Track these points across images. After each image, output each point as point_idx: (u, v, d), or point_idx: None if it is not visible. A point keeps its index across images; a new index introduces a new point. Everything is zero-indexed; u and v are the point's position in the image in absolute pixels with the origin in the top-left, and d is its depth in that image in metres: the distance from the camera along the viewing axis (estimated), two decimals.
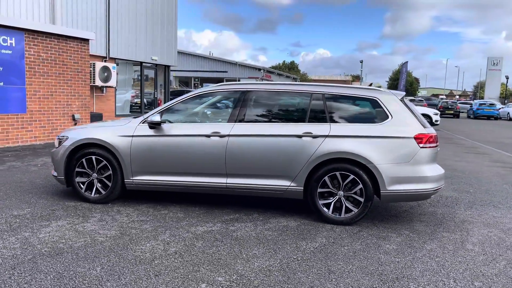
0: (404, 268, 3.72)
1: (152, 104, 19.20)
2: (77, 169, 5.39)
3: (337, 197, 4.84)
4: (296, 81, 71.21)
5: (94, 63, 15.12)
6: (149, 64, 18.48)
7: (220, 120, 5.36)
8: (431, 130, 4.93)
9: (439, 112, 23.19)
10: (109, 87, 15.74)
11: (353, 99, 5.09)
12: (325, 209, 4.87)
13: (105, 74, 15.23)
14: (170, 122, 5.30)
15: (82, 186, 5.40)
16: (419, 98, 42.25)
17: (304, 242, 4.25)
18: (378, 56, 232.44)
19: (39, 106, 10.84)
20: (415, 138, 4.75)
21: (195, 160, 5.10)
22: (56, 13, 13.51)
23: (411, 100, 34.91)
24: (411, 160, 4.74)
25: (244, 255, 3.84)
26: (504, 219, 5.35)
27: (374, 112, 4.98)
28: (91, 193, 5.38)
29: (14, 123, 10.32)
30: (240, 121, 5.11)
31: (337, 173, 4.81)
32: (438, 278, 3.54)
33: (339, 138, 4.84)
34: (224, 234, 4.39)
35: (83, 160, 5.35)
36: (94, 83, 14.88)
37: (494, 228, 5.01)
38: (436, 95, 76.79)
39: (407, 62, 36.18)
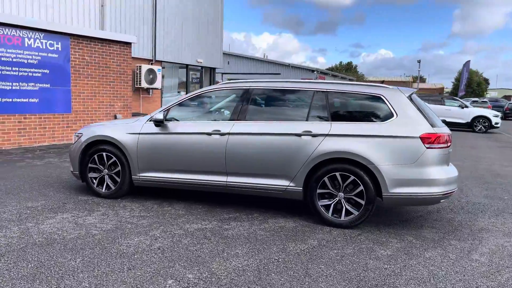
0: (389, 275, 3.49)
1: None
2: (90, 165, 5.63)
3: (337, 198, 4.66)
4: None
5: (140, 66, 15.75)
6: (195, 67, 18.93)
7: (222, 118, 5.36)
8: (441, 130, 4.60)
9: (500, 114, 21.58)
10: (155, 88, 16.31)
11: (357, 97, 4.87)
12: (324, 210, 4.70)
13: (151, 76, 15.81)
14: (176, 120, 5.39)
15: (94, 181, 5.63)
16: (484, 100, 39.69)
17: (293, 244, 4.13)
18: (445, 55, 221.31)
19: (83, 106, 11.47)
20: (421, 138, 4.45)
21: (196, 158, 5.14)
22: (105, 19, 14.26)
23: (473, 102, 32.94)
24: (416, 161, 4.45)
25: (225, 254, 3.80)
26: None
27: (378, 110, 4.73)
28: (102, 188, 5.59)
29: (60, 122, 10.99)
30: (241, 119, 5.07)
31: (337, 174, 4.62)
32: None
33: (339, 137, 4.65)
34: (215, 232, 4.38)
35: (95, 156, 5.58)
36: (140, 85, 15.52)
37: None
38: (509, 97, 71.64)
39: (469, 61, 34.26)
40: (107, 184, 5.56)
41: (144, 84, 15.55)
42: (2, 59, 9.67)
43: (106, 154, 5.53)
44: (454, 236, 4.55)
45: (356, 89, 4.86)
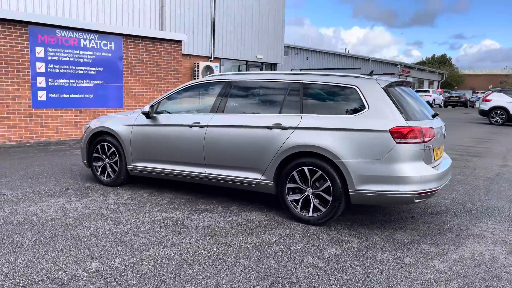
0: (317, 274, 3.30)
1: None
2: (94, 154, 6.06)
3: (306, 194, 4.49)
4: (443, 77, 65.03)
5: (198, 63, 16.37)
6: (255, 63, 19.14)
7: (204, 111, 5.42)
8: (418, 124, 4.20)
9: None
10: None
11: (332, 88, 4.62)
12: (294, 206, 4.56)
13: (208, 73, 16.35)
14: (167, 112, 5.57)
15: (98, 169, 6.05)
16: None
17: (244, 237, 4.08)
18: None
19: (134, 102, 12.25)
20: (391, 131, 4.11)
21: (179, 149, 5.28)
22: (165, 20, 15.04)
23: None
24: (384, 156, 4.12)
25: (168, 243, 3.88)
26: None
27: (351, 102, 4.45)
28: (104, 176, 5.99)
29: None
30: (220, 111, 5.10)
31: (305, 168, 4.45)
32: None
33: (308, 130, 4.47)
34: (178, 222, 4.48)
35: (98, 146, 5.99)
36: None
37: (503, 246, 4.03)
38: None
39: None
40: (107, 172, 5.95)
41: None
42: (61, 58, 10.71)
43: (107, 145, 5.91)
44: (429, 240, 4.14)
45: (330, 80, 4.62)
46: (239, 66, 18.76)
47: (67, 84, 10.91)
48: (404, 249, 3.90)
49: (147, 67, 12.42)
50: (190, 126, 5.18)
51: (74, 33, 10.86)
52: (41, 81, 10.47)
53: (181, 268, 3.36)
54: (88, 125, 6.25)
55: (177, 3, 15.70)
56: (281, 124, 4.61)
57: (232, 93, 5.14)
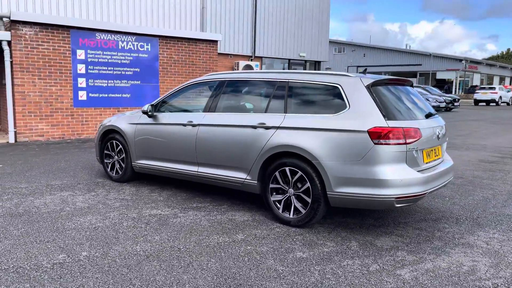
0: (263, 277, 3.24)
1: None
2: (105, 151, 6.36)
3: (288, 195, 4.41)
4: None
5: (238, 62, 16.55)
6: (297, 61, 18.98)
7: (199, 110, 5.48)
8: (401, 124, 3.97)
9: None
10: None
11: (316, 87, 4.49)
12: (276, 206, 4.50)
13: None
14: (169, 111, 5.71)
15: (108, 165, 6.34)
16: None
17: (217, 237, 4.09)
18: None
19: None
20: (369, 132, 3.93)
21: (174, 147, 5.39)
22: (205, 20, 15.37)
23: None
24: (362, 158, 3.95)
25: (141, 239, 3.99)
26: None
27: (333, 101, 4.30)
28: (113, 173, 6.27)
29: None
30: (211, 110, 5.15)
31: (287, 169, 4.38)
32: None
33: (289, 130, 4.39)
34: (162, 219, 4.59)
35: (108, 144, 6.28)
36: None
37: (491, 258, 3.71)
38: None
39: None
40: (116, 169, 6.22)
41: None
42: (100, 60, 11.32)
43: (115, 142, 6.17)
44: (411, 248, 3.91)
45: (315, 78, 4.50)
46: (287, 64, 18.69)
47: (106, 84, 11.50)
48: (377, 255, 3.71)
49: (182, 67, 12.76)
50: (184, 125, 5.28)
51: (113, 35, 11.42)
52: (81, 82, 11.13)
53: (138, 264, 3.45)
54: (101, 123, 6.57)
55: (218, 4, 15.95)
56: (265, 124, 4.57)
57: (224, 92, 5.17)
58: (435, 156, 4.45)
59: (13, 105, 10.34)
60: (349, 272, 3.37)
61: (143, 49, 12.00)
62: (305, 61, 19.33)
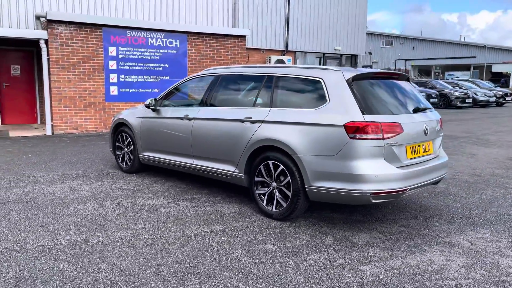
0: (223, 266, 3.32)
1: None
2: (117, 144, 6.67)
3: (271, 188, 4.46)
4: None
5: (270, 57, 16.59)
6: (332, 55, 18.71)
7: (197, 104, 5.61)
8: (380, 118, 3.89)
9: None
10: None
11: (300, 81, 4.48)
12: (261, 199, 4.56)
13: None
14: (172, 105, 5.90)
15: (119, 157, 6.65)
16: None
17: (196, 227, 4.22)
18: None
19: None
20: (345, 126, 3.89)
21: (173, 140, 5.57)
22: (237, 16, 15.54)
23: None
24: (338, 152, 3.91)
25: (124, 227, 4.19)
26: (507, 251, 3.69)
27: (315, 95, 4.28)
28: (123, 164, 6.57)
29: None
30: (206, 104, 5.27)
31: (270, 163, 4.42)
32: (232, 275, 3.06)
33: (273, 124, 4.42)
34: (153, 209, 4.78)
35: (119, 136, 6.58)
36: None
37: (469, 258, 3.57)
38: None
39: None
40: (126, 160, 6.51)
41: None
42: (130, 56, 11.79)
43: (125, 135, 6.46)
44: (387, 244, 3.83)
45: (300, 72, 4.49)
46: (321, 58, 18.50)
47: (136, 80, 11.96)
48: (348, 250, 3.69)
49: (210, 62, 13.00)
50: (182, 118, 5.44)
51: (143, 32, 11.84)
52: (113, 78, 11.65)
53: (112, 250, 3.64)
54: (115, 116, 6.89)
55: None
56: (251, 118, 4.63)
57: (218, 86, 5.28)
58: (423, 152, 4.32)
59: (50, 100, 11.02)
60: (311, 266, 3.37)
61: (172, 45, 12.35)
62: (341, 55, 19.01)
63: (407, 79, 4.84)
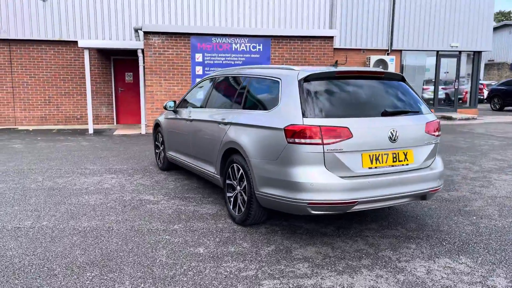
0: (130, 262, 3.40)
1: (450, 98, 17.42)
2: (155, 143, 7.19)
3: (236, 192, 4.36)
4: None
5: (369, 57, 15.80)
6: (448, 52, 16.85)
7: (198, 106, 5.70)
8: (322, 122, 3.51)
9: None
10: None
11: (265, 81, 4.26)
12: (229, 202, 4.49)
13: (380, 67, 15.55)
14: (190, 107, 6.15)
15: (156, 155, 7.16)
16: None
17: (158, 224, 4.35)
18: None
19: None
20: (285, 130, 3.61)
21: (181, 140, 5.81)
22: (335, 16, 15.22)
23: None
24: (278, 157, 3.66)
25: (98, 218, 4.55)
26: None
27: (273, 96, 4.04)
28: (159, 162, 7.06)
29: None
30: (203, 106, 5.38)
31: (235, 166, 4.33)
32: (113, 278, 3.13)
33: (236, 126, 4.33)
34: (142, 204, 5.06)
35: (156, 135, 7.09)
36: None
37: (403, 287, 3.00)
38: None
39: None
40: (160, 158, 6.98)
41: None
42: (215, 62, 12.47)
43: (159, 134, 6.94)
44: (320, 262, 3.44)
45: (266, 73, 4.29)
46: (434, 57, 16.84)
47: None
48: (273, 263, 3.42)
49: (294, 65, 12.92)
50: (186, 120, 5.65)
51: (227, 38, 12.42)
52: None
53: (63, 237, 4.00)
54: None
55: None
56: (224, 120, 4.59)
57: (212, 88, 5.36)
58: (394, 162, 3.73)
59: (144, 103, 12.32)
60: (214, 273, 3.24)
61: (255, 49, 12.66)
62: (459, 52, 16.96)
63: (401, 79, 4.22)
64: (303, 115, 3.56)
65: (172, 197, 5.34)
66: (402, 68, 16.59)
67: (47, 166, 7.26)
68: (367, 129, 3.60)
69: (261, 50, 12.67)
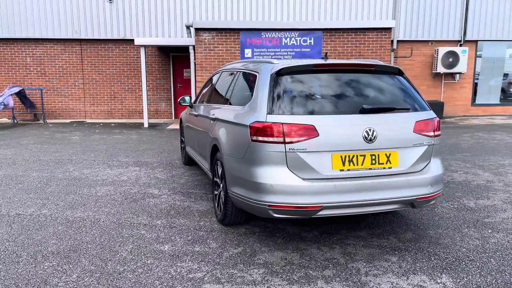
0: (93, 256, 3.43)
1: None
2: (181, 137, 7.29)
3: (220, 190, 4.23)
4: None
5: (438, 49, 14.66)
6: None
7: (205, 101, 5.61)
8: (286, 119, 3.25)
9: None
10: (457, 73, 14.66)
11: (247, 75, 4.05)
12: (215, 200, 4.38)
13: (450, 59, 14.38)
14: (205, 102, 6.13)
15: (181, 150, 7.25)
16: None
17: (145, 218, 4.37)
18: None
19: None
20: (250, 127, 3.40)
21: (192, 135, 5.80)
22: (399, 5, 14.34)
23: None
24: (243, 156, 3.47)
25: (94, 209, 4.70)
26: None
27: (250, 91, 3.83)
28: (182, 157, 7.14)
29: None
30: (206, 101, 5.30)
31: (218, 162, 4.21)
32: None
33: (220, 122, 4.19)
34: (144, 197, 5.13)
35: (181, 130, 7.18)
36: (436, 70, 14.47)
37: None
38: None
39: None
40: (183, 153, 7.06)
41: (440, 69, 14.39)
42: (264, 57, 12.34)
43: (182, 130, 7.01)
44: (280, 269, 3.19)
45: (250, 67, 4.08)
46: (507, 48, 15.15)
47: None
48: (227, 266, 3.25)
49: (348, 59, 12.35)
50: (195, 115, 5.62)
51: (276, 33, 12.22)
52: None
53: (51, 225, 4.17)
54: None
55: None
56: (213, 115, 4.48)
57: (213, 84, 5.27)
58: (372, 164, 3.35)
59: (195, 98, 12.59)
60: (165, 272, 3.16)
61: (305, 43, 12.31)
62: None
63: (398, 73, 3.77)
64: (270, 112, 3.32)
65: (176, 192, 5.35)
66: (476, 60, 15.12)
67: (86, 157, 7.69)
68: (338, 128, 3.26)
69: (312, 44, 12.29)
